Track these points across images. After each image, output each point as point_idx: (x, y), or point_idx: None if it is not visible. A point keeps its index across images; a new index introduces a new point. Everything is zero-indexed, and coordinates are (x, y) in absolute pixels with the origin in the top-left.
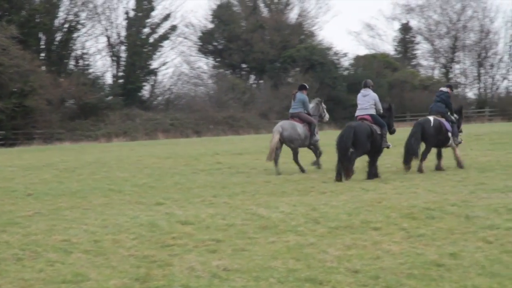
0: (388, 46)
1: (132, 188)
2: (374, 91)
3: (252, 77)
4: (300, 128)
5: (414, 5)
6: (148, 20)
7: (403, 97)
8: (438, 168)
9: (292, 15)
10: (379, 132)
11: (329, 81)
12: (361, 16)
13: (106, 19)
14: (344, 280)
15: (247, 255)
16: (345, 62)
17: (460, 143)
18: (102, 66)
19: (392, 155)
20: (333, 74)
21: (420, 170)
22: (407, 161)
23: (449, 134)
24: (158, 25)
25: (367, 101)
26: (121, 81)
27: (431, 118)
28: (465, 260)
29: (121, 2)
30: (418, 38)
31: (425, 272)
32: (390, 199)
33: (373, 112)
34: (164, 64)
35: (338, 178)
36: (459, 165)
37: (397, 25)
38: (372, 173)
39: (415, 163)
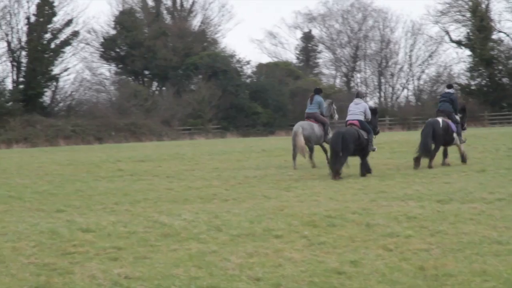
0: (290, 54)
1: (33, 195)
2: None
3: (155, 84)
4: (317, 127)
5: (316, 14)
6: (49, 26)
7: (305, 105)
8: (444, 164)
9: (195, 22)
10: (365, 137)
11: (232, 88)
12: (263, 24)
13: (6, 24)
14: None
15: (148, 263)
16: (248, 70)
17: (464, 142)
18: (2, 72)
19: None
20: (236, 81)
21: (430, 166)
22: (418, 158)
23: (454, 134)
24: (59, 30)
25: (358, 109)
26: (21, 86)
27: (440, 119)
28: (365, 267)
29: (22, 7)
30: (320, 47)
31: (326, 280)
32: (292, 207)
33: (361, 118)
34: (65, 70)
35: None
36: (464, 160)
37: (299, 34)
38: (365, 169)
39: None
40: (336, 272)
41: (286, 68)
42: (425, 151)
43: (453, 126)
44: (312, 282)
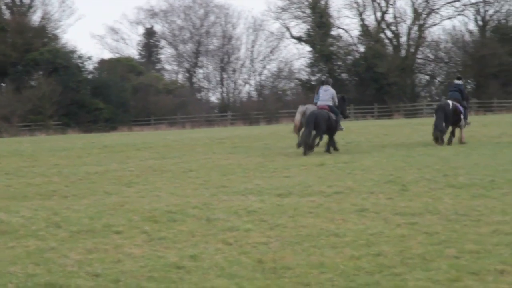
0: (132, 50)
1: None
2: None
3: None
4: None
5: (158, 10)
6: None
7: (147, 101)
8: (450, 143)
9: (35, 18)
10: (334, 118)
11: (73, 84)
12: (105, 20)
13: None
14: (85, 284)
15: None
16: (90, 66)
17: (468, 124)
18: None
19: (136, 158)
20: (77, 77)
21: (442, 141)
22: (437, 138)
23: (461, 116)
24: None
25: (327, 95)
26: None
27: (450, 102)
28: (205, 262)
29: None
30: (162, 43)
31: (165, 274)
32: (132, 203)
33: (330, 103)
34: None
35: (306, 153)
36: (461, 141)
37: (141, 30)
38: (331, 147)
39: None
40: (176, 266)
41: (128, 64)
42: (439, 131)
43: (461, 108)
44: (151, 277)
